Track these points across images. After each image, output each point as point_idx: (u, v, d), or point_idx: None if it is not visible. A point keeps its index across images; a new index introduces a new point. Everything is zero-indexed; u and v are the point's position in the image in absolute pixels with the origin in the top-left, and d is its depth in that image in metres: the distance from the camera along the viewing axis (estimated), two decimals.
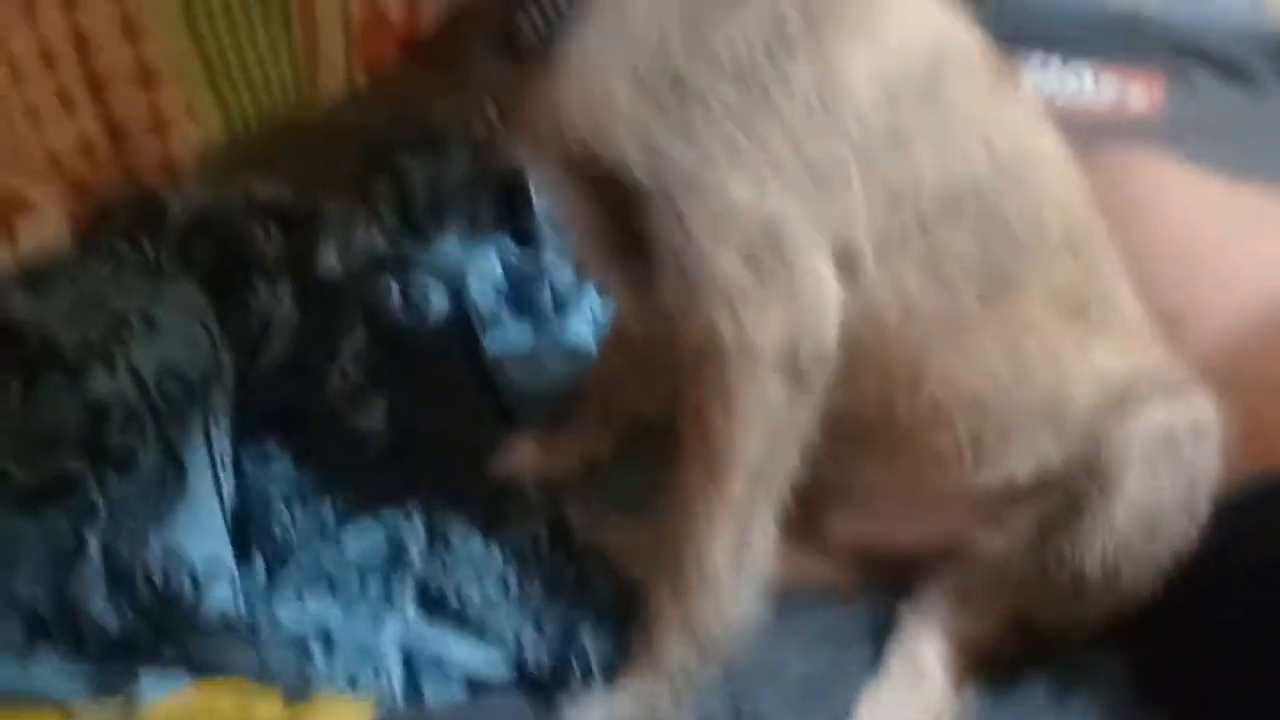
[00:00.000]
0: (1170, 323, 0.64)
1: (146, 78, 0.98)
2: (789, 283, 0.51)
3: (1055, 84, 1.33)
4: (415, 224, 0.93)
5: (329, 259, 0.80)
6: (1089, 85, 1.33)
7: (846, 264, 0.52)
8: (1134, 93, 1.31)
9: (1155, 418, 0.57)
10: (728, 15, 0.50)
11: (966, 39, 0.56)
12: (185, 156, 1.02)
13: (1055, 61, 1.36)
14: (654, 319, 0.54)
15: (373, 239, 0.84)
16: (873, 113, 0.51)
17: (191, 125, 1.02)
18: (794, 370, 0.51)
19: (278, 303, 0.75)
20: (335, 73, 1.18)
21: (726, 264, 0.50)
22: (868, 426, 0.57)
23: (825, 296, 0.52)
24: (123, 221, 0.83)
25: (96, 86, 0.95)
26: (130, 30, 0.96)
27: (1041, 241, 0.55)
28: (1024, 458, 0.57)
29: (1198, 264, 0.68)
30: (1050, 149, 0.58)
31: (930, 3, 0.55)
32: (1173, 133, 1.21)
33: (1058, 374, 0.57)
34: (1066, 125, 1.19)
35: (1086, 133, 1.18)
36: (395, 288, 0.79)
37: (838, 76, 0.51)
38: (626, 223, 0.52)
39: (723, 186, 0.50)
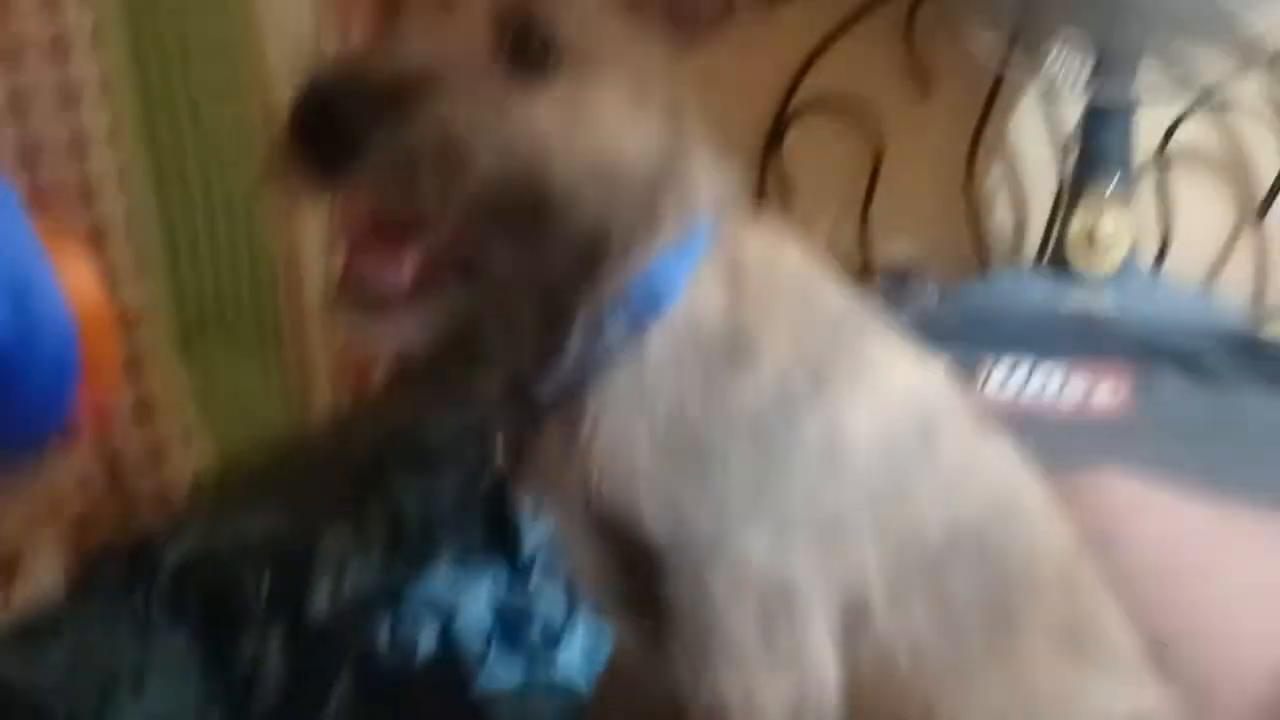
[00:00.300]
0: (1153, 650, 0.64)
1: (145, 412, 1.02)
2: (798, 653, 0.52)
3: (1024, 385, 1.39)
4: (407, 551, 0.94)
5: (320, 599, 0.81)
6: (1056, 385, 1.38)
7: (858, 612, 0.54)
8: (1101, 391, 1.36)
9: None
10: (741, 375, 0.53)
11: (950, 389, 0.60)
12: (180, 486, 1.05)
13: (1024, 364, 1.42)
14: (658, 671, 0.55)
15: (364, 574, 0.85)
16: (876, 464, 0.54)
17: (186, 455, 1.05)
18: None
19: (266, 649, 0.75)
20: (324, 396, 1.23)
21: (740, 627, 0.52)
22: None
23: (828, 668, 0.53)
24: (116, 571, 0.84)
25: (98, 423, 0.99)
26: (132, 365, 1.00)
27: (1036, 577, 0.56)
28: None
29: (1179, 589, 0.68)
30: (1033, 485, 0.60)
31: (914, 361, 0.60)
32: (1141, 431, 1.26)
33: (1064, 714, 0.57)
34: (1036, 426, 1.25)
35: (1055, 433, 1.23)
36: (385, 626, 0.79)
37: (844, 431, 0.54)
38: (640, 578, 0.53)
39: (742, 546, 0.52)
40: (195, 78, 1.06)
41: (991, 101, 1.78)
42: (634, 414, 0.53)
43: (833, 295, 0.59)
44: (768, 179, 1.89)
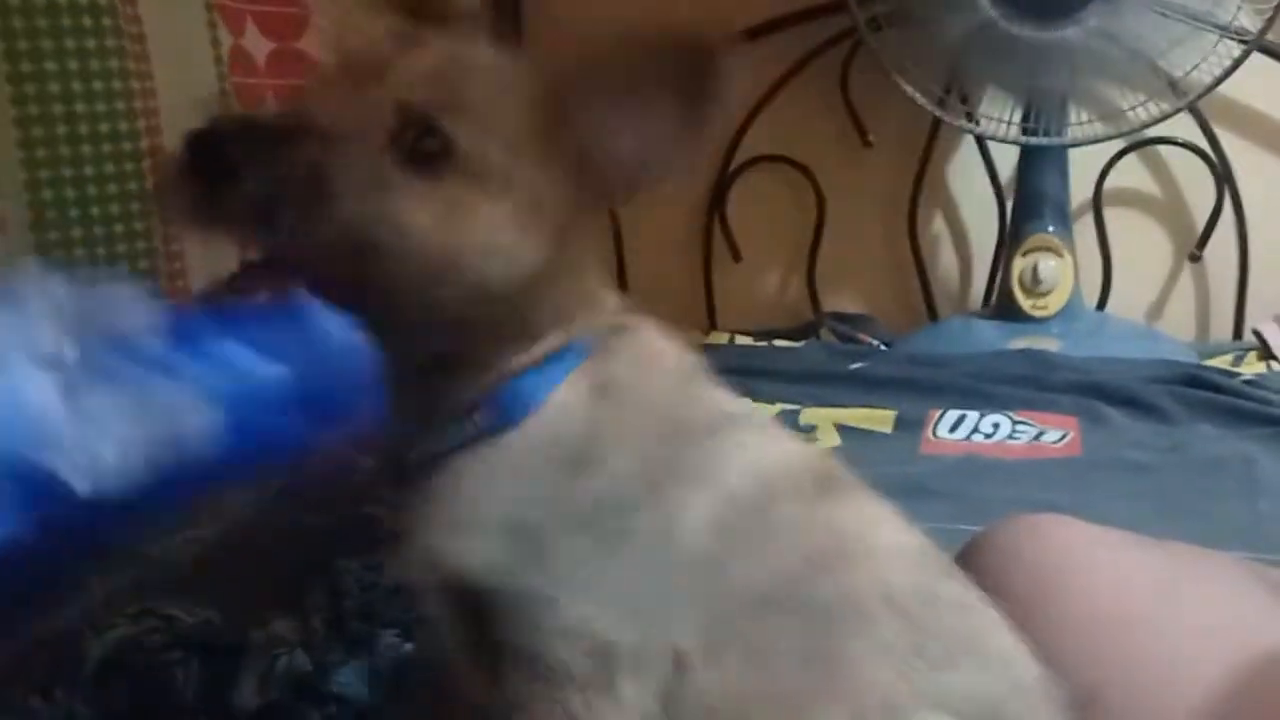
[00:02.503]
0: (1094, 698, 0.63)
1: None
2: (627, 693, 0.58)
3: (973, 429, 1.39)
4: (346, 630, 0.92)
5: (247, 692, 0.78)
6: (1005, 428, 1.38)
7: (678, 667, 0.58)
8: (1050, 432, 1.36)
9: None
10: (583, 477, 0.58)
11: (796, 461, 0.64)
12: None
13: (973, 409, 1.42)
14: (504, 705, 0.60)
15: (296, 661, 0.82)
16: (701, 549, 0.59)
17: None
18: None
19: None
20: None
21: (572, 656, 0.57)
22: None
23: (640, 708, 0.58)
24: (38, 669, 0.81)
25: None
26: None
27: (857, 614, 0.60)
28: None
29: (1129, 634, 0.68)
30: (873, 528, 0.63)
31: (764, 441, 0.64)
32: (1090, 469, 1.26)
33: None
34: (986, 469, 1.25)
35: (1005, 475, 1.23)
36: (316, 713, 0.77)
37: (674, 525, 0.59)
38: (478, 624, 0.59)
39: (571, 607, 0.57)
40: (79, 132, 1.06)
41: (930, 150, 1.81)
42: (483, 500, 0.59)
43: (693, 407, 0.63)
44: (713, 236, 1.91)
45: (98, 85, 1.07)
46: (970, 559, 0.75)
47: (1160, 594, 0.72)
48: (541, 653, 0.57)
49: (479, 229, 0.55)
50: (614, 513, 0.58)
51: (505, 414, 0.59)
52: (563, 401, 0.60)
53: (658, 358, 0.64)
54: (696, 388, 0.64)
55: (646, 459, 0.60)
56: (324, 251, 0.53)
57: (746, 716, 0.59)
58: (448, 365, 0.59)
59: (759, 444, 0.63)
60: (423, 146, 0.54)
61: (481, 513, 0.58)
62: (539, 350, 0.60)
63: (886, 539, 0.64)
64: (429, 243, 0.54)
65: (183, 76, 1.14)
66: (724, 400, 0.65)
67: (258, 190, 0.51)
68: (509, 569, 0.57)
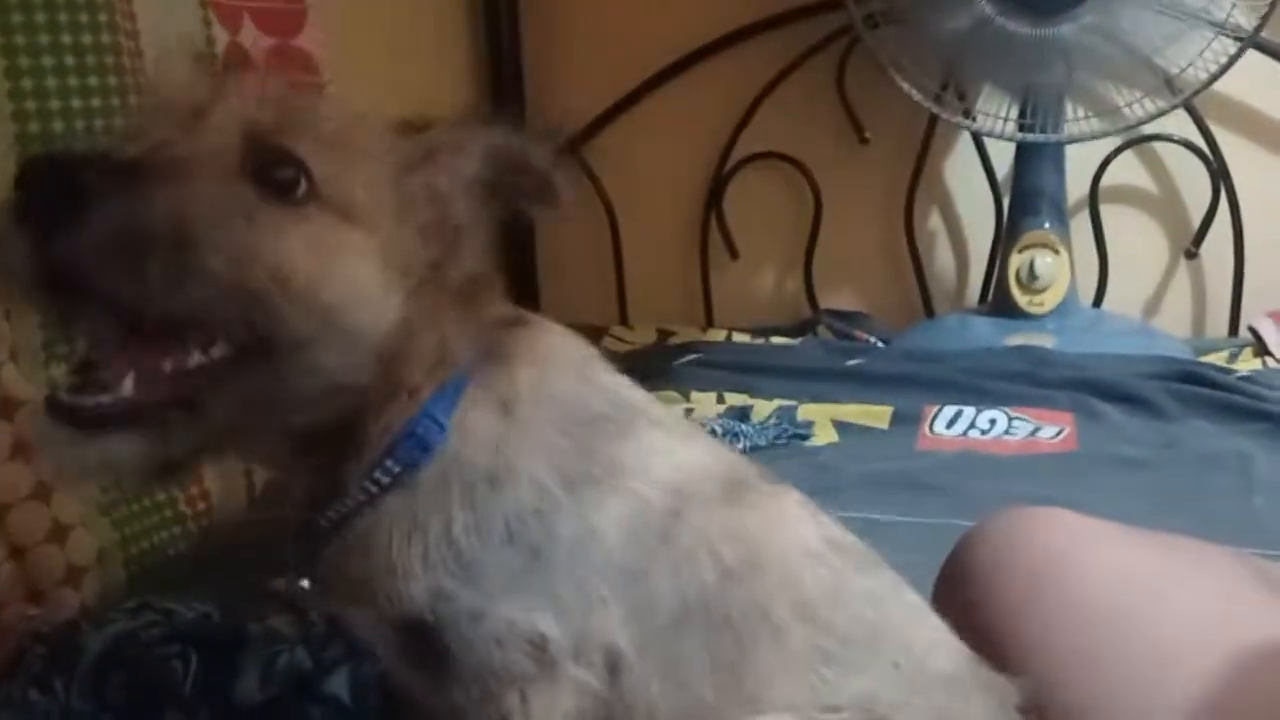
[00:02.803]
0: (1093, 690, 0.64)
1: (44, 491, 1.00)
2: (565, 674, 0.59)
3: (970, 425, 1.39)
4: (343, 627, 0.92)
5: (249, 685, 0.78)
6: (1002, 424, 1.39)
7: (610, 663, 0.60)
8: (1046, 427, 1.37)
9: None
10: (501, 496, 0.59)
11: (705, 465, 0.64)
12: (84, 565, 1.02)
13: (970, 405, 1.43)
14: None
15: (297, 659, 0.82)
16: (619, 552, 0.60)
17: (89, 534, 1.03)
18: None
19: None
20: (236, 475, 1.21)
21: (509, 659, 0.58)
22: None
23: (596, 690, 0.60)
24: (37, 663, 0.81)
25: None
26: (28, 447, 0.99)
27: (768, 625, 0.61)
28: None
29: (1127, 624, 0.68)
30: (789, 539, 0.64)
31: (672, 442, 0.64)
32: (1086, 464, 1.26)
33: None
34: (983, 464, 1.25)
35: (1002, 470, 1.24)
36: (315, 712, 0.77)
37: (592, 525, 0.60)
38: (419, 640, 0.59)
39: (501, 613, 0.58)
40: None
41: (927, 147, 1.81)
42: (406, 540, 0.58)
43: (597, 398, 0.63)
44: (710, 233, 1.91)
45: (93, 81, 1.07)
46: (966, 551, 0.75)
47: (1156, 585, 0.72)
48: (481, 659, 0.58)
49: (345, 268, 0.53)
50: (535, 519, 0.58)
51: (413, 454, 0.58)
52: (467, 426, 0.59)
53: (555, 354, 0.64)
54: (598, 378, 0.64)
55: (560, 459, 0.60)
56: (197, 305, 0.47)
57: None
58: (342, 427, 0.57)
59: (669, 448, 0.63)
60: (277, 175, 0.51)
61: (407, 552, 0.58)
62: (427, 387, 0.59)
63: (796, 541, 0.64)
64: (302, 279, 0.50)
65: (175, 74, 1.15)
66: (626, 390, 0.65)
67: (112, 231, 0.45)
68: (440, 595, 0.58)
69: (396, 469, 0.58)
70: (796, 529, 0.64)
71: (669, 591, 0.60)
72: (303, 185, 0.52)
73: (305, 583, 0.64)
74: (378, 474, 0.58)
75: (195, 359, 0.50)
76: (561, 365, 0.63)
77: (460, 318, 0.60)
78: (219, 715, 0.76)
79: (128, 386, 0.49)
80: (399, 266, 0.55)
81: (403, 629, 0.59)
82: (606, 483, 0.60)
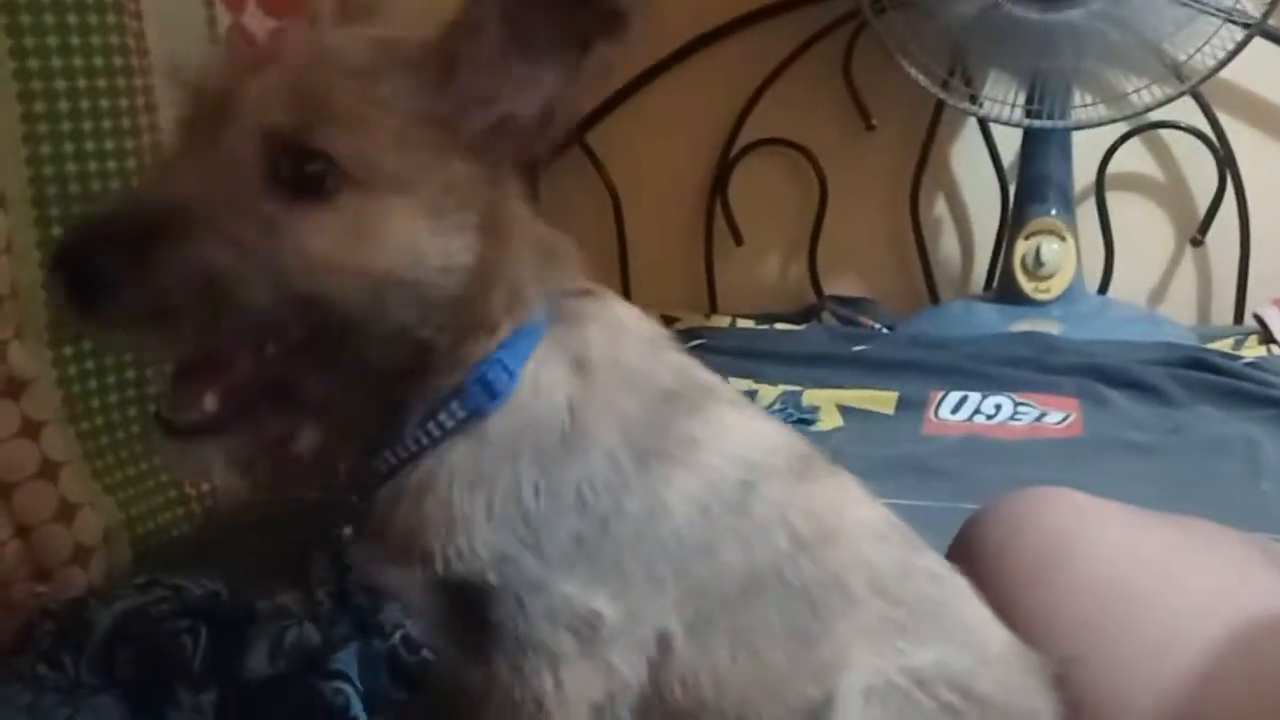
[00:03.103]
0: (1104, 670, 0.64)
1: (50, 470, 1.00)
2: (604, 662, 0.59)
3: (975, 410, 1.39)
4: (351, 604, 0.92)
5: (258, 660, 0.78)
6: (1008, 409, 1.39)
7: (662, 646, 0.60)
8: (1052, 413, 1.37)
9: None
10: (571, 464, 0.58)
11: (774, 441, 0.65)
12: (91, 545, 1.02)
13: (975, 390, 1.43)
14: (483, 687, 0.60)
15: (306, 631, 0.82)
16: (688, 529, 0.60)
17: (95, 513, 1.03)
18: None
19: (199, 715, 0.73)
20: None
21: (556, 637, 0.58)
22: None
23: (628, 681, 0.60)
24: (46, 639, 0.82)
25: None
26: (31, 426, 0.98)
27: (843, 595, 0.62)
28: None
29: (1126, 605, 0.68)
30: (856, 517, 0.65)
31: (742, 419, 0.64)
32: (1092, 450, 1.26)
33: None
34: (990, 449, 1.25)
35: (1008, 455, 1.23)
36: (327, 685, 0.77)
37: (662, 504, 0.60)
38: (468, 607, 0.59)
39: (558, 587, 0.58)
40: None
41: (933, 133, 1.81)
42: (469, 489, 0.57)
43: (668, 373, 0.63)
44: (715, 219, 1.90)
45: (99, 61, 1.07)
46: (976, 530, 0.75)
47: (1164, 565, 0.72)
48: (527, 634, 0.58)
49: (392, 239, 0.53)
50: (605, 491, 0.58)
51: (481, 401, 0.58)
52: (540, 380, 0.59)
53: (628, 326, 0.63)
54: (669, 356, 0.64)
55: (632, 431, 0.59)
56: (255, 323, 0.51)
57: (730, 693, 0.60)
58: (404, 377, 0.57)
59: (740, 424, 0.64)
60: (302, 172, 0.52)
61: (470, 506, 0.57)
62: (502, 332, 0.58)
63: (863, 518, 0.65)
64: (349, 270, 0.52)
65: (180, 53, 1.14)
66: (695, 370, 0.65)
67: (140, 302, 0.49)
68: (504, 558, 0.57)
69: (461, 414, 0.57)
70: (861, 508, 0.65)
71: (740, 561, 0.60)
72: (331, 175, 0.52)
73: (351, 532, 0.62)
74: (442, 417, 0.57)
75: (271, 349, 0.54)
76: (634, 337, 0.63)
77: (539, 266, 0.60)
78: (228, 690, 0.77)
79: (210, 402, 0.53)
80: (455, 206, 0.55)
81: (449, 592, 0.59)
82: (678, 458, 0.60)
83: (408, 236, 0.53)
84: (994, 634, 0.65)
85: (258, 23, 1.25)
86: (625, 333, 0.63)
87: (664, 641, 0.60)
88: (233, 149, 0.52)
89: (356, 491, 0.60)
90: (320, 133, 0.52)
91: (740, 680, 0.60)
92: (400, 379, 0.57)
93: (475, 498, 0.57)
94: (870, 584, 0.62)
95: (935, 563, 0.66)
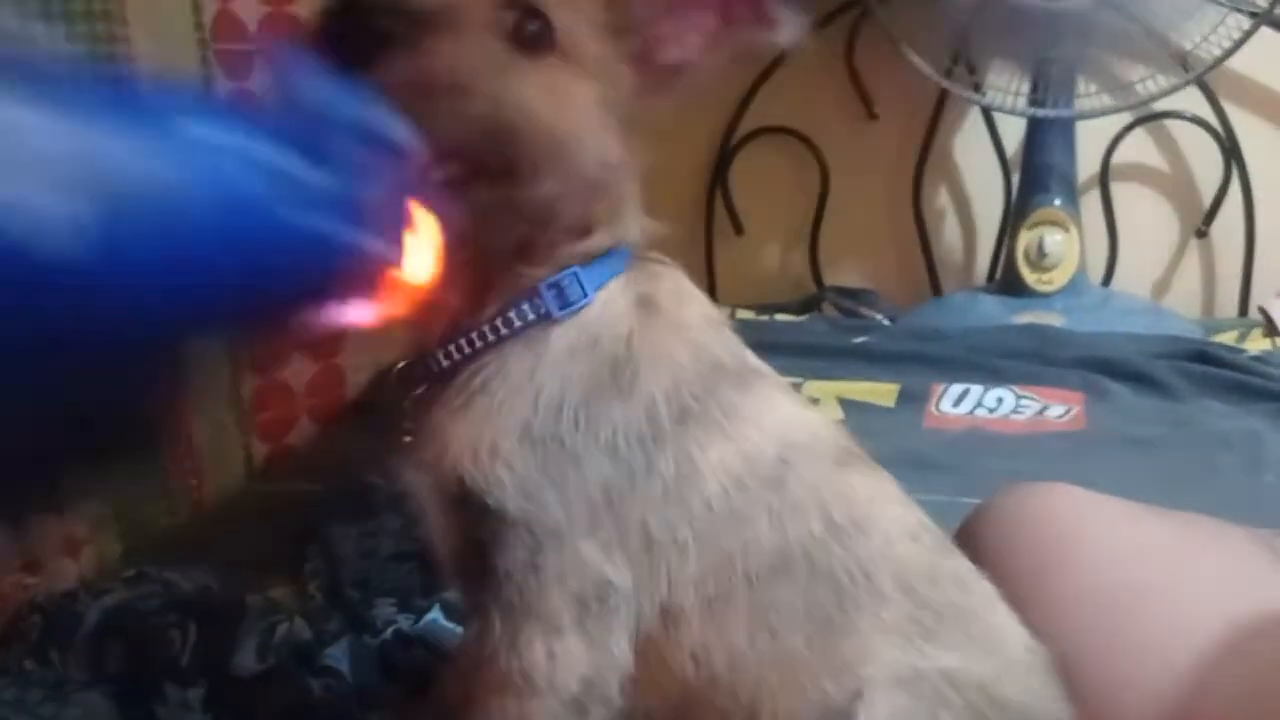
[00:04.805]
0: (1108, 668, 0.63)
1: None
2: (602, 636, 0.58)
3: (977, 403, 1.38)
4: (343, 598, 0.91)
5: (247, 656, 0.77)
6: (1010, 402, 1.38)
7: (673, 619, 0.60)
8: (1054, 406, 1.35)
9: None
10: (615, 403, 0.58)
11: (819, 428, 0.65)
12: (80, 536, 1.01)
13: (977, 383, 1.41)
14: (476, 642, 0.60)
15: (297, 627, 0.81)
16: (719, 498, 0.59)
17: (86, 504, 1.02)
18: (582, 710, 0.58)
19: (187, 711, 0.72)
20: (233, 445, 1.20)
21: (557, 603, 0.58)
22: None
23: (622, 658, 0.59)
24: (34, 633, 0.81)
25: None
26: None
27: (870, 589, 0.61)
28: None
29: (1126, 602, 0.67)
30: (892, 514, 0.64)
31: (789, 403, 0.65)
32: (1094, 443, 1.25)
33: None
34: (991, 442, 1.24)
35: (1010, 448, 1.22)
36: (317, 681, 0.76)
37: (695, 468, 0.59)
38: (479, 546, 0.59)
39: (577, 545, 0.58)
40: None
41: (936, 123, 1.79)
42: (515, 396, 0.58)
43: (723, 348, 0.64)
44: (715, 208, 1.89)
45: (82, 48, 1.05)
46: (976, 526, 0.75)
47: (1167, 560, 0.71)
48: (533, 597, 0.58)
49: (576, 111, 0.57)
50: (640, 443, 0.58)
51: (554, 306, 0.59)
52: (609, 303, 0.60)
53: (692, 297, 0.65)
54: (725, 334, 0.65)
55: (679, 388, 0.60)
56: (463, 139, 0.54)
57: (745, 674, 0.59)
58: (517, 251, 0.59)
59: (786, 406, 0.64)
60: (525, 29, 0.55)
61: (511, 411, 0.58)
62: (591, 246, 0.60)
63: (897, 515, 0.64)
64: (541, 124, 0.55)
65: (161, 44, 1.12)
66: (751, 355, 0.65)
67: (404, 73, 0.51)
68: (528, 493, 0.57)
69: (531, 316, 0.59)
70: (897, 506, 0.65)
71: (770, 537, 0.60)
72: (545, 37, 0.56)
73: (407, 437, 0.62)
74: (512, 314, 0.59)
75: (454, 167, 0.54)
76: (699, 309, 0.64)
77: (628, 200, 0.63)
78: (216, 685, 0.76)
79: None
80: (615, 107, 0.59)
81: (468, 517, 0.59)
82: (719, 424, 0.60)
83: (582, 112, 0.57)
84: (1017, 638, 0.64)
85: (246, 9, 1.23)
86: (692, 301, 0.64)
87: (674, 615, 0.60)
88: None
89: (403, 384, 0.61)
90: (547, 3, 0.56)
91: (757, 661, 0.60)
92: (506, 256, 0.59)
93: (516, 402, 0.58)
94: (898, 582, 0.61)
95: (964, 567, 0.65)
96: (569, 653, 0.58)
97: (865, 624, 0.60)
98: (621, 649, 0.59)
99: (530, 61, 0.56)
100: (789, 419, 0.63)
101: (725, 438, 0.60)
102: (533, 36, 0.56)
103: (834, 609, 0.60)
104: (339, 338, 1.35)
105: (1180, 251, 1.79)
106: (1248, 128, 1.69)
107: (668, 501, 0.59)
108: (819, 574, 0.60)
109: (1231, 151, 1.69)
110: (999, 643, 0.63)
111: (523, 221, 0.58)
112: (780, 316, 1.77)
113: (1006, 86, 1.62)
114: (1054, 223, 1.65)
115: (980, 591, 0.65)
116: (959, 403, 1.38)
